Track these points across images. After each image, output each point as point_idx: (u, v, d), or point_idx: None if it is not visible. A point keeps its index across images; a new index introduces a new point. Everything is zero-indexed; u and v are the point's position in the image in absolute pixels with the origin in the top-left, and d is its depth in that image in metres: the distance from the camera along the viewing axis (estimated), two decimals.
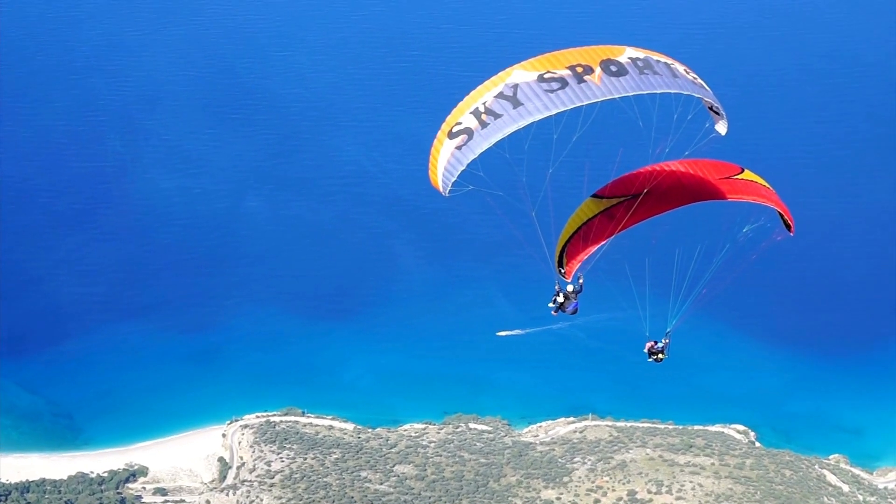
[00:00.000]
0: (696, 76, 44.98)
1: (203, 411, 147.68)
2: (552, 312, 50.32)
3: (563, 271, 48.11)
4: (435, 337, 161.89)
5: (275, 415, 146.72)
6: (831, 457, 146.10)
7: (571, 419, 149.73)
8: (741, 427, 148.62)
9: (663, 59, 44.32)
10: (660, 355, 53.20)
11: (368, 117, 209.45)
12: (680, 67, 44.54)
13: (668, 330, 53.54)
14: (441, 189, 43.72)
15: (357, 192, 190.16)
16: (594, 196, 47.77)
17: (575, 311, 50.15)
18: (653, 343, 53.30)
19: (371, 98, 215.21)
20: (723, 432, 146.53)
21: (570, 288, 49.51)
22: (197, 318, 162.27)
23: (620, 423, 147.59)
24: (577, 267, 47.83)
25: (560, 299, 49.82)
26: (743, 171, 48.60)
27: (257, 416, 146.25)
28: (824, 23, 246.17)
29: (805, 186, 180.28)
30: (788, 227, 49.60)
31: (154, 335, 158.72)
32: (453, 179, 43.09)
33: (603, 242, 47.07)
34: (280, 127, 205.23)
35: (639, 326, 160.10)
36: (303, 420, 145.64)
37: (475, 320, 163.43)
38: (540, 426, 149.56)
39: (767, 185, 48.90)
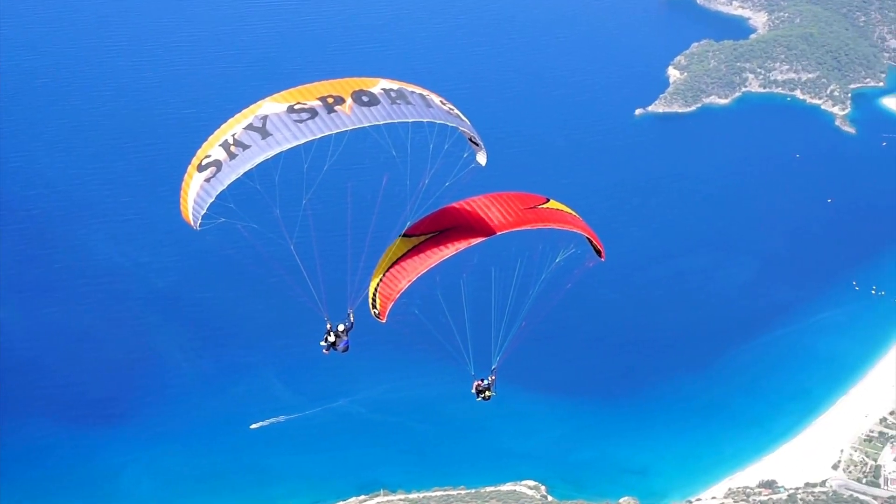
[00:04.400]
0: (452, 107, 45.94)
1: None
2: (323, 351, 50.89)
3: (376, 312, 48.07)
4: (212, 431, 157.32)
5: None
6: (622, 500, 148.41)
7: (363, 497, 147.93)
8: (532, 482, 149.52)
9: (418, 90, 45.20)
10: (487, 393, 54.21)
11: (116, 211, 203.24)
12: (436, 98, 45.43)
13: (494, 367, 54.83)
14: (192, 223, 44.13)
15: (112, 289, 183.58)
16: (403, 235, 48.06)
17: (346, 349, 50.79)
18: (479, 381, 54.31)
19: (117, 190, 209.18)
20: (515, 490, 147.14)
21: (341, 327, 50.35)
22: None
23: (413, 495, 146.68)
24: (391, 306, 47.79)
25: (331, 338, 50.45)
26: (549, 200, 49.70)
27: None
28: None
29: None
30: (599, 252, 51.03)
31: None
32: (203, 212, 43.57)
33: (413, 280, 47.32)
34: (25, 230, 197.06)
35: (421, 393, 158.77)
36: None
37: (252, 408, 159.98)
38: None
39: (574, 213, 50.13)
